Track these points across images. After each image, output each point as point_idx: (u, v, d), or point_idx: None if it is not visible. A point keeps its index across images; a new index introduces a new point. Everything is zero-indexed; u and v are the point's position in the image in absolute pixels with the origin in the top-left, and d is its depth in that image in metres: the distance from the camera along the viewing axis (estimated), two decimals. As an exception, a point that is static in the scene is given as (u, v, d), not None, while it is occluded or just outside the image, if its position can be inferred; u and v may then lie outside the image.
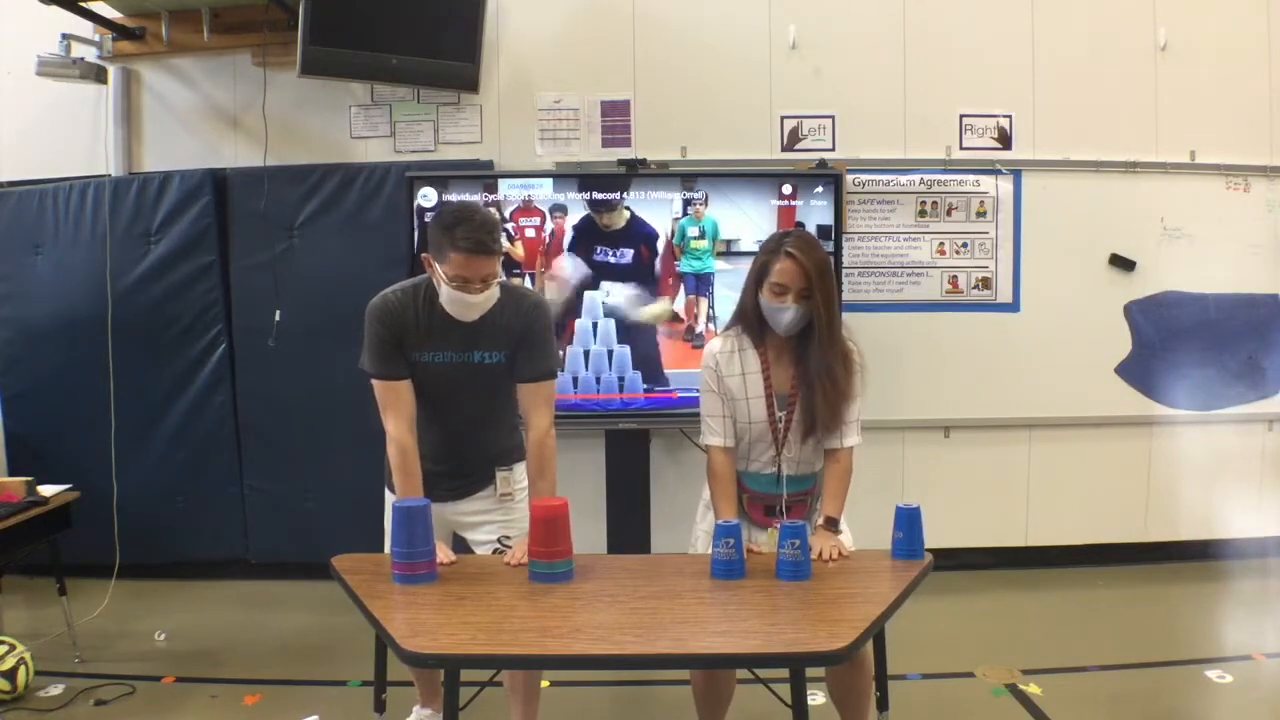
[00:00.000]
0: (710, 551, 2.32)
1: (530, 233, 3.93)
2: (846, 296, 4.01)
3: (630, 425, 3.98)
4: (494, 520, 2.63)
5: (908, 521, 2.38)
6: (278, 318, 4.22)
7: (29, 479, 3.40)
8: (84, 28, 4.32)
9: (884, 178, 4.33)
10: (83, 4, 4.09)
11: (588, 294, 3.93)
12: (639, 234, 3.94)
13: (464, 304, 2.38)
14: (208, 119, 4.46)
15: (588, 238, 3.93)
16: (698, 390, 2.56)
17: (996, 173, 4.35)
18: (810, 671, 2.01)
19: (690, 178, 3.95)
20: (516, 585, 2.25)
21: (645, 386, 3.93)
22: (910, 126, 4.36)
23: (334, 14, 3.85)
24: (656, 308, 3.92)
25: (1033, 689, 3.19)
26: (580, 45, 4.35)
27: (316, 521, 4.28)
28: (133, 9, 4.29)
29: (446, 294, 2.38)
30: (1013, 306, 4.40)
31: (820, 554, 2.34)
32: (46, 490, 3.41)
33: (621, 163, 4.23)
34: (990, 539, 4.47)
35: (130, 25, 4.37)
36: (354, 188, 4.29)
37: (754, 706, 2.61)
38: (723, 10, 4.34)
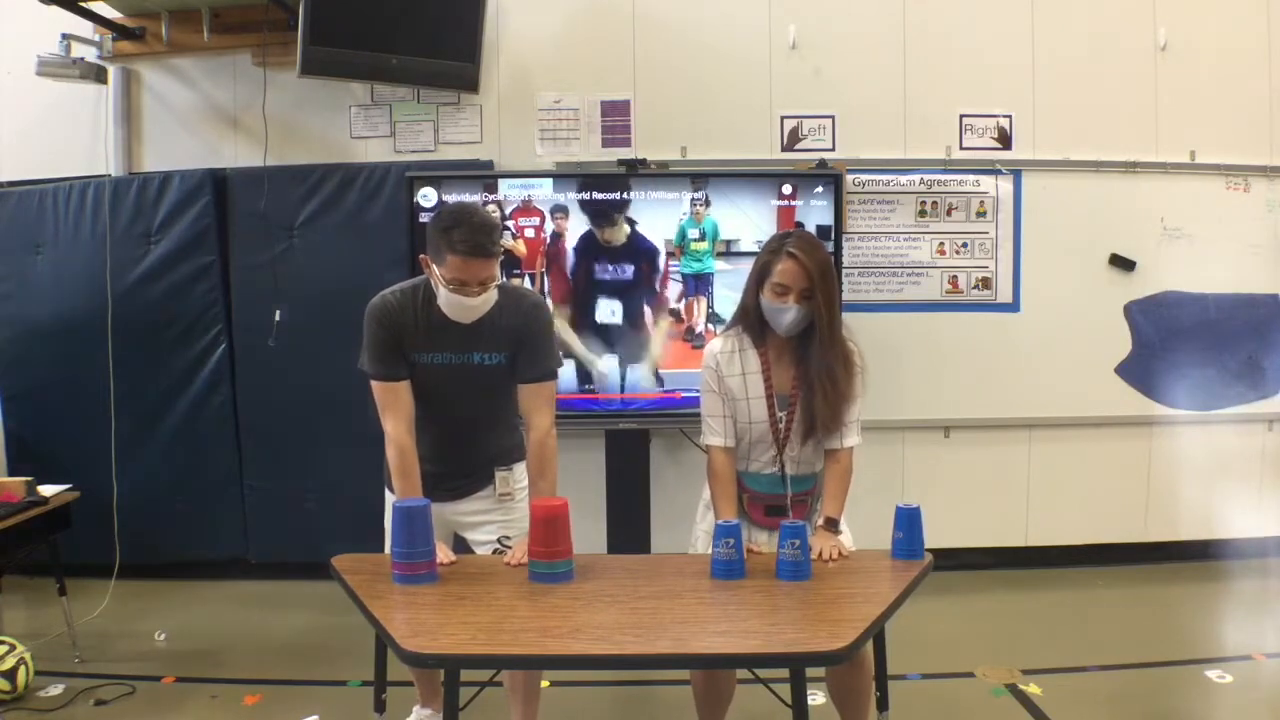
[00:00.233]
0: (710, 551, 2.32)
1: (530, 233, 3.93)
2: (846, 296, 4.01)
3: (630, 425, 3.98)
4: (494, 520, 2.63)
5: (908, 521, 2.38)
6: (278, 318, 4.22)
7: (29, 479, 3.40)
8: (84, 28, 4.33)
9: (884, 178, 4.33)
10: (83, 4, 4.10)
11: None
12: (639, 250, 3.93)
13: (462, 306, 2.38)
14: (208, 119, 4.46)
15: (589, 253, 3.93)
16: (698, 390, 2.56)
17: (996, 173, 4.35)
18: (810, 671, 2.00)
19: (700, 177, 3.95)
20: (516, 585, 2.25)
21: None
22: (910, 126, 4.36)
23: (334, 14, 3.85)
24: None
25: (1033, 689, 3.19)
26: (580, 45, 4.35)
27: (316, 521, 4.28)
28: (133, 9, 4.29)
29: (444, 296, 2.38)
30: (1013, 306, 4.40)
31: (820, 554, 2.34)
32: (46, 490, 3.41)
33: (621, 163, 4.23)
34: (990, 539, 4.47)
35: (130, 25, 4.37)
36: (354, 188, 4.29)
37: (754, 706, 2.61)
38: (723, 10, 4.34)
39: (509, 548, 2.54)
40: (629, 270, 3.94)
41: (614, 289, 3.95)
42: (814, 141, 4.35)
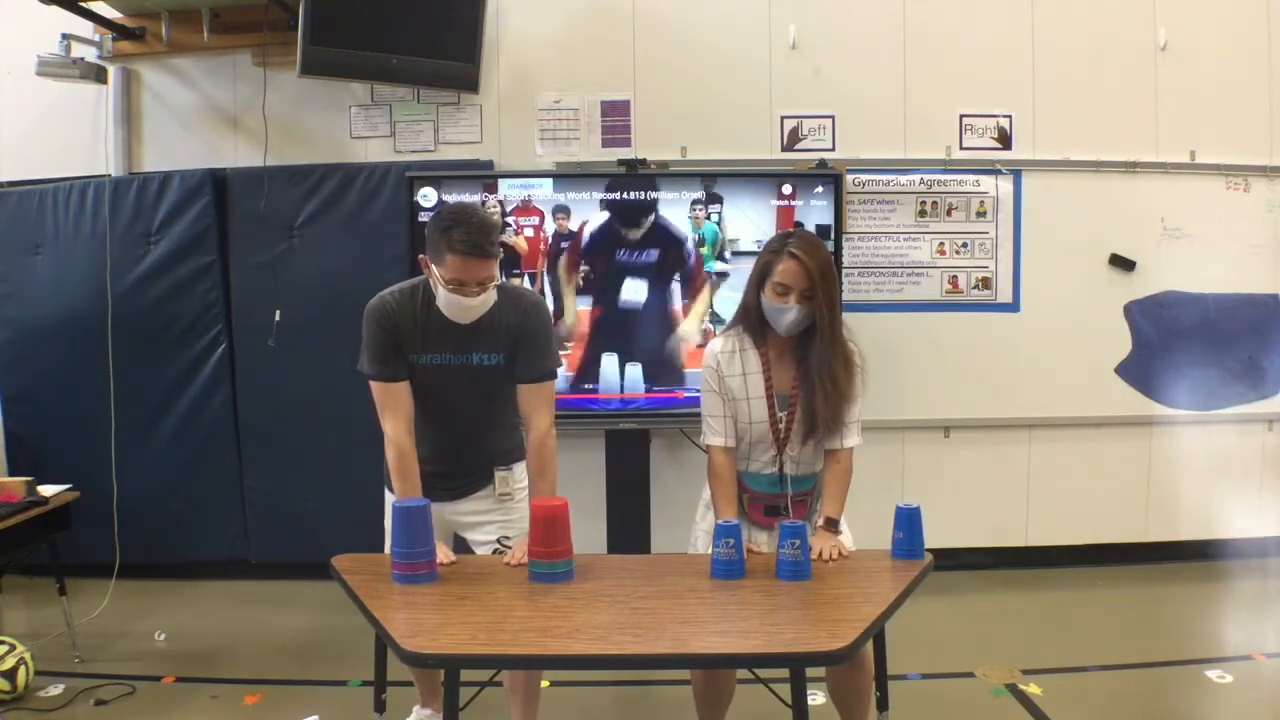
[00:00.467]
0: (710, 551, 2.32)
1: (529, 233, 3.93)
2: (847, 296, 4.00)
3: (630, 425, 3.98)
4: (493, 520, 2.63)
5: (908, 521, 2.38)
6: (277, 317, 4.22)
7: (29, 479, 3.40)
8: (84, 28, 4.33)
9: (884, 178, 4.33)
10: (83, 4, 4.09)
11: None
12: (663, 239, 3.92)
13: (460, 307, 2.38)
14: (208, 119, 4.46)
15: (608, 242, 3.92)
16: (698, 390, 2.56)
17: (996, 173, 4.35)
18: (810, 671, 2.00)
19: (709, 177, 3.94)
20: (516, 585, 2.25)
21: (646, 386, 3.94)
22: (910, 126, 4.36)
23: (334, 14, 3.85)
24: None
25: (1033, 689, 3.19)
26: (580, 45, 4.35)
27: (316, 521, 4.28)
28: (133, 9, 4.29)
29: (443, 297, 2.38)
30: (1013, 306, 4.40)
31: (820, 554, 2.35)
32: (46, 490, 3.41)
33: (621, 163, 4.23)
34: (990, 539, 4.47)
35: (130, 25, 4.37)
36: (354, 188, 4.29)
37: (754, 706, 2.61)
38: (723, 10, 4.34)
39: (509, 548, 2.54)
40: (653, 254, 3.92)
41: (636, 271, 3.93)
42: (814, 141, 4.35)
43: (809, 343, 2.43)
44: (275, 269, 4.27)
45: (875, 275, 4.38)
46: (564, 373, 3.87)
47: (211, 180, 4.30)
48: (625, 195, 3.93)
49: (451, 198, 3.88)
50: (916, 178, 4.34)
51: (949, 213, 4.36)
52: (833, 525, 2.47)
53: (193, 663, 3.54)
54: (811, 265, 2.35)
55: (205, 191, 4.29)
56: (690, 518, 2.70)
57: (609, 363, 3.94)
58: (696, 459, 2.90)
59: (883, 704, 2.49)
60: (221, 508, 4.41)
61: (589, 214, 3.92)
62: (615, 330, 3.95)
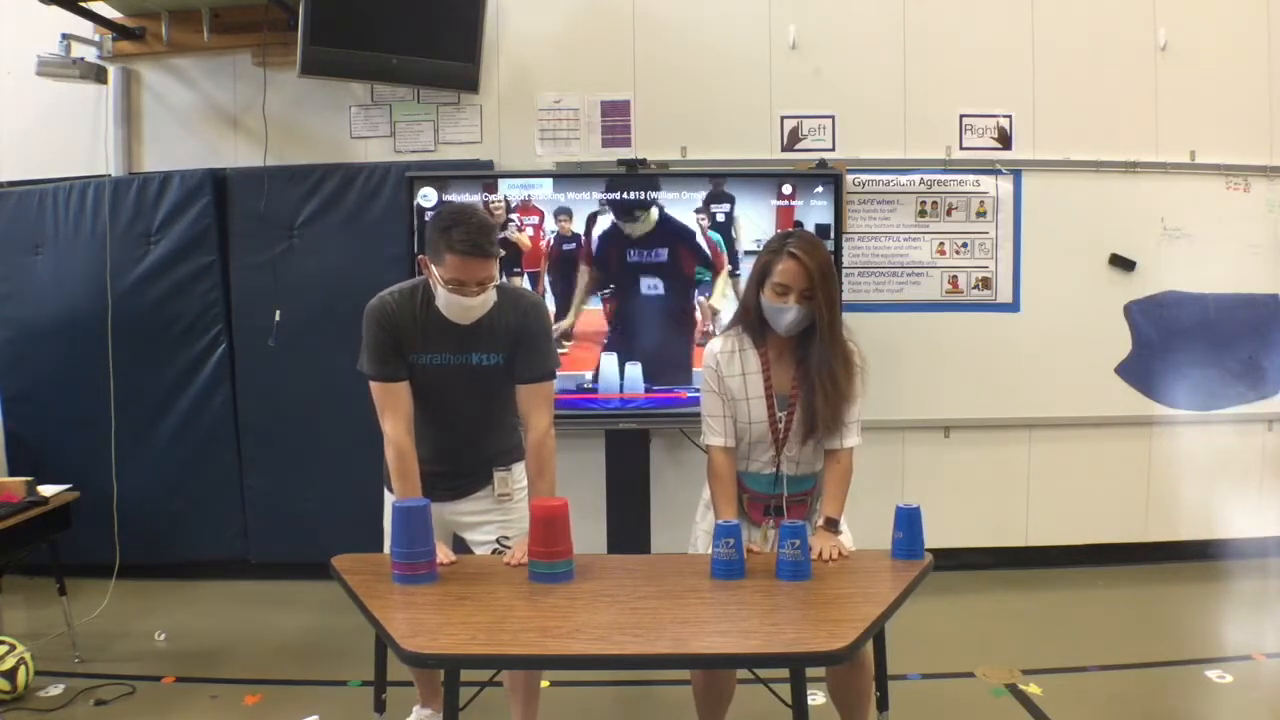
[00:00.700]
0: (710, 551, 2.32)
1: (529, 232, 3.93)
2: (846, 296, 4.00)
3: (630, 425, 3.98)
4: (493, 520, 2.63)
5: (908, 521, 2.38)
6: (277, 317, 4.22)
7: (29, 479, 3.40)
8: (84, 28, 4.33)
9: (884, 178, 4.33)
10: (83, 4, 4.09)
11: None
12: (670, 233, 3.92)
13: (460, 307, 2.38)
14: (208, 119, 4.46)
15: (615, 242, 3.92)
16: (698, 390, 2.56)
17: (996, 173, 4.35)
18: (810, 671, 2.00)
19: (719, 176, 3.94)
20: (516, 585, 2.25)
21: (645, 386, 3.94)
22: (910, 126, 4.36)
23: (334, 14, 3.85)
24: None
25: (1033, 689, 3.19)
26: (580, 45, 4.35)
27: (316, 521, 4.28)
28: (133, 9, 4.29)
29: (443, 297, 2.38)
30: (1013, 306, 4.40)
31: (820, 554, 2.34)
32: (46, 490, 3.41)
33: (621, 163, 4.23)
34: (990, 539, 4.47)
35: (130, 25, 4.37)
36: (354, 188, 4.29)
37: (754, 706, 2.61)
38: (723, 10, 4.34)
39: (508, 548, 2.54)
40: (662, 254, 3.92)
41: (646, 271, 3.94)
42: (814, 141, 4.35)
43: (809, 343, 2.43)
44: (275, 269, 4.27)
45: (875, 275, 4.38)
46: (577, 373, 3.90)
47: (211, 180, 4.30)
48: (625, 195, 3.93)
49: (452, 198, 3.88)
50: (916, 178, 4.34)
51: (949, 213, 4.36)
52: (833, 525, 2.46)
53: (193, 663, 3.54)
54: (811, 265, 2.35)
55: (205, 191, 4.29)
56: (690, 518, 2.70)
57: (608, 362, 3.95)
58: (696, 459, 2.90)
59: (883, 704, 2.49)
60: (221, 508, 4.41)
61: (594, 216, 3.92)
62: (628, 330, 3.95)
